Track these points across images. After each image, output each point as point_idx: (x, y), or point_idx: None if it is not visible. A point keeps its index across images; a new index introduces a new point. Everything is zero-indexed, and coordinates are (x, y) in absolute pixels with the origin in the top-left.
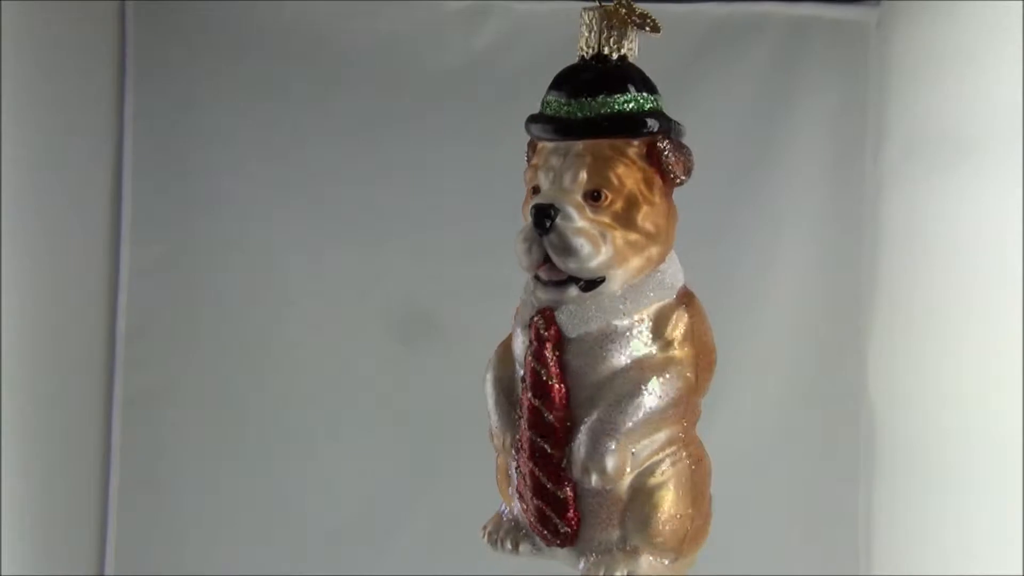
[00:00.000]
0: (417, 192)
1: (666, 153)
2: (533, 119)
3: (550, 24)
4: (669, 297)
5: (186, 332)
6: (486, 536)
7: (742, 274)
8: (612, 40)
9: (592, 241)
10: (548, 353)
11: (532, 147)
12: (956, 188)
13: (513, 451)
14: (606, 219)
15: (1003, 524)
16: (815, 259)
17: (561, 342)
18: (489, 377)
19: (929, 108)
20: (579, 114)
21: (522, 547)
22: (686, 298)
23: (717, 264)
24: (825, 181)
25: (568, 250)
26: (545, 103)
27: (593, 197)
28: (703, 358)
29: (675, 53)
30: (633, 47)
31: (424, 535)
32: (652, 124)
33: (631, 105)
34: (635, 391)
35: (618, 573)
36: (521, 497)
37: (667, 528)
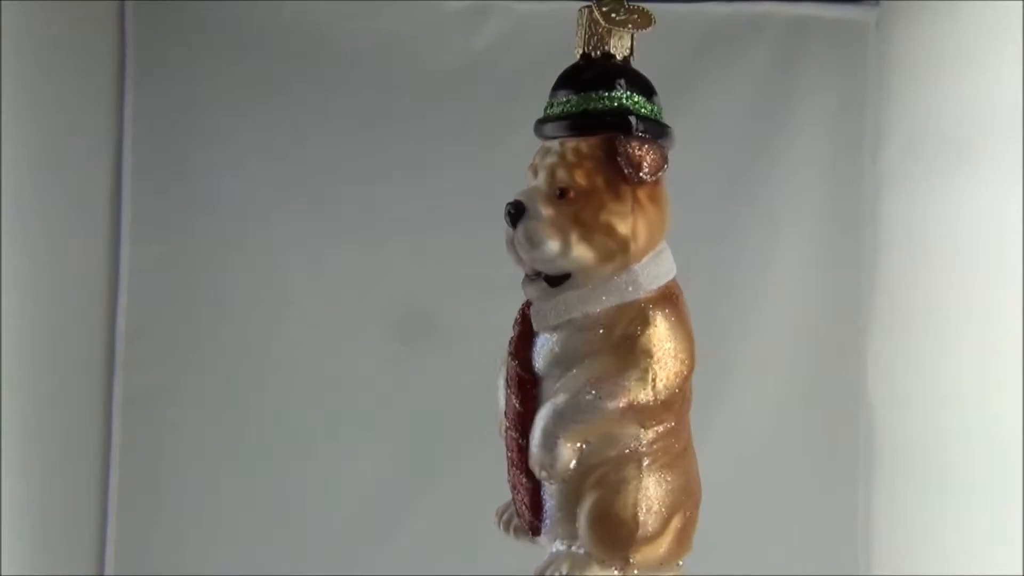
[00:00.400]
0: (417, 192)
1: (621, 151)
2: (537, 120)
3: (550, 24)
4: (635, 297)
5: (186, 332)
6: (498, 518)
7: (741, 274)
8: (595, 40)
9: (551, 237)
10: (520, 346)
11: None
12: (955, 187)
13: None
14: (570, 217)
15: (1003, 524)
16: (814, 259)
17: (531, 336)
18: (501, 372)
19: (928, 108)
20: (556, 113)
21: (518, 535)
22: (661, 300)
23: (716, 264)
24: (824, 180)
25: (529, 246)
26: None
27: (560, 195)
28: (667, 363)
29: (675, 53)
30: (621, 45)
31: (424, 535)
32: (611, 121)
33: (597, 104)
34: (583, 389)
35: (558, 573)
36: (510, 485)
37: (606, 531)
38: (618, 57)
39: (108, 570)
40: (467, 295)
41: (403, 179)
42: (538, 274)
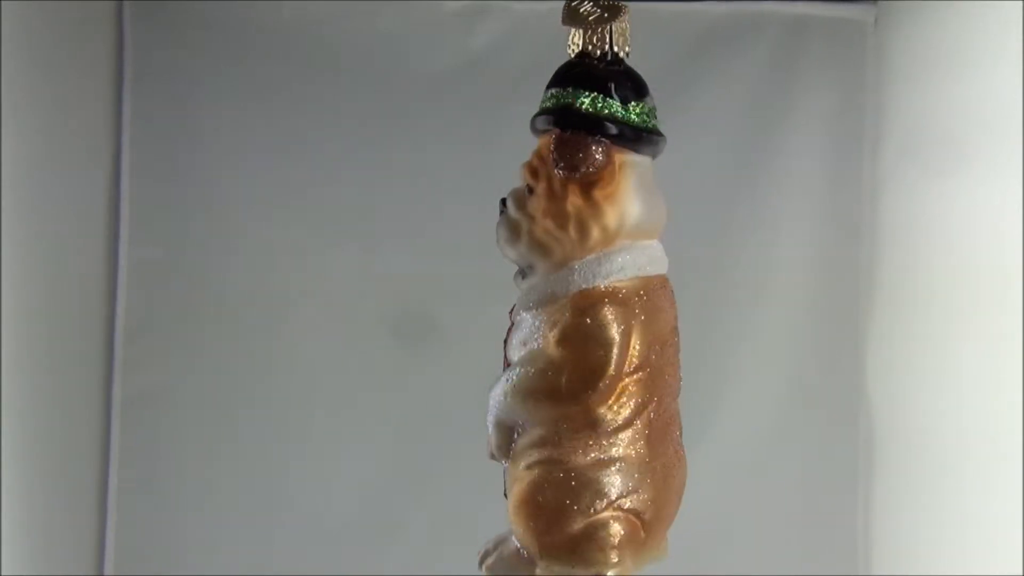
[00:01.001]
0: (415, 191)
1: (552, 147)
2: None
3: (548, 24)
4: (565, 292)
5: (185, 332)
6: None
7: (740, 274)
8: (571, 38)
9: (512, 232)
10: (508, 337)
11: None
12: (954, 187)
13: None
14: (527, 214)
15: (1003, 524)
16: (813, 259)
17: (511, 328)
18: None
19: (927, 107)
20: (540, 110)
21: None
22: (593, 298)
23: (715, 264)
24: (823, 180)
25: (499, 239)
26: None
27: (529, 191)
28: (576, 362)
29: (673, 52)
30: (596, 41)
31: (424, 536)
32: (555, 119)
33: (548, 103)
34: (508, 377)
35: (483, 567)
36: None
37: (518, 522)
38: (597, 53)
39: (107, 570)
40: (466, 294)
41: (401, 178)
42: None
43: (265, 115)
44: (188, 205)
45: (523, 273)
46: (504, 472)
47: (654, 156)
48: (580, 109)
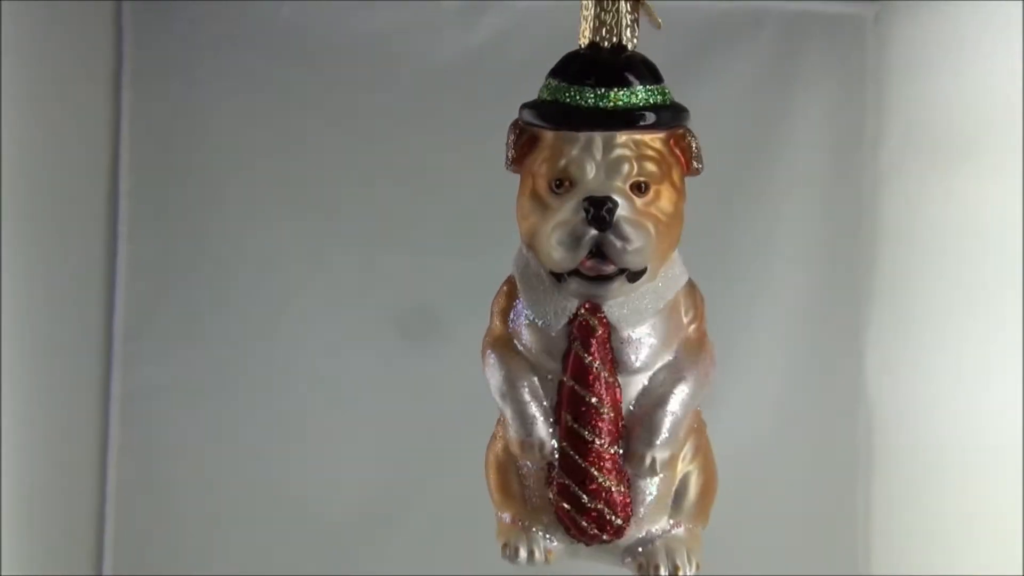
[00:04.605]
0: (416, 190)
1: (694, 145)
2: (542, 106)
3: (548, 21)
4: (683, 282)
5: (183, 330)
6: (508, 552)
7: (739, 270)
8: (605, 30)
9: (646, 232)
10: (601, 349)
11: (521, 134)
12: (955, 182)
13: (555, 453)
14: (651, 211)
15: (1003, 524)
16: (813, 255)
17: (610, 336)
18: (502, 381)
19: (927, 103)
20: (609, 104)
21: (553, 553)
22: (689, 282)
23: (713, 261)
24: (823, 176)
25: (629, 242)
26: (556, 90)
27: (639, 189)
28: (710, 345)
29: (674, 48)
30: (631, 35)
31: (425, 535)
32: (683, 117)
33: (658, 97)
34: (680, 379)
35: (681, 563)
36: (564, 497)
37: (708, 500)
38: (629, 47)
39: (106, 569)
40: (466, 293)
41: (401, 176)
42: (619, 272)
43: (264, 113)
44: (187, 202)
45: (629, 277)
46: (648, 484)
47: None
48: (679, 105)
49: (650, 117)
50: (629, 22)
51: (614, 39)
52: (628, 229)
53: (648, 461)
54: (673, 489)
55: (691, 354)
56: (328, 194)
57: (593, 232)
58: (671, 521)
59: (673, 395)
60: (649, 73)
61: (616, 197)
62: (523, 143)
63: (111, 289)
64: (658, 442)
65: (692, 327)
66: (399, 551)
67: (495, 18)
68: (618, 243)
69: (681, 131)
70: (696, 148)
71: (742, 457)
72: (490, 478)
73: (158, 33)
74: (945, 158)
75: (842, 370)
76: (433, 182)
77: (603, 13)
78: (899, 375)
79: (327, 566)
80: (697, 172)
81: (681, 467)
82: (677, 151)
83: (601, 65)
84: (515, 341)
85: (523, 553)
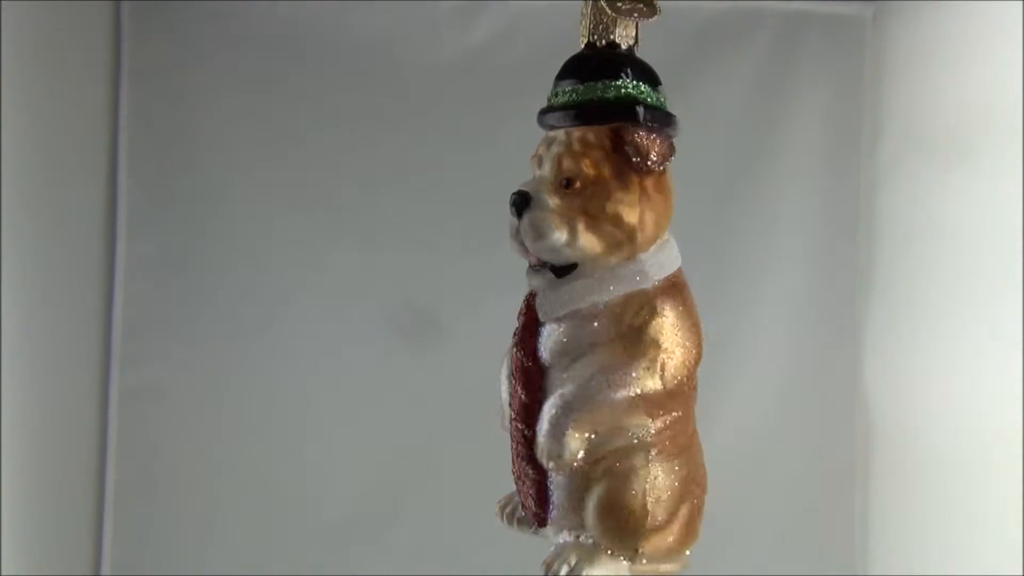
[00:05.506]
0: (414, 189)
1: (629, 140)
2: (541, 110)
3: (545, 21)
4: (642, 286)
5: (182, 329)
6: (500, 511)
7: (737, 269)
8: (600, 29)
9: (558, 228)
10: (525, 337)
11: None
12: (952, 182)
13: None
14: (575, 207)
15: (1002, 522)
16: (811, 254)
17: (536, 326)
18: (504, 363)
19: (925, 102)
20: (561, 102)
21: (521, 526)
22: (669, 289)
23: (712, 259)
24: (821, 175)
25: (535, 235)
26: (550, 93)
27: (565, 185)
28: (675, 352)
29: (673, 48)
30: (626, 35)
31: (424, 532)
32: (618, 111)
33: (604, 93)
34: (591, 379)
35: (563, 571)
36: (515, 477)
37: (615, 522)
38: (623, 46)
39: (105, 569)
40: (465, 291)
41: (399, 175)
42: (543, 264)
43: (262, 112)
44: (185, 201)
45: (555, 270)
46: (544, 483)
47: None
48: (645, 100)
49: (578, 113)
50: (608, 22)
51: (603, 39)
52: (538, 223)
53: (537, 453)
54: (584, 497)
55: (604, 361)
56: (327, 193)
57: (516, 223)
58: (588, 533)
59: (563, 394)
60: (613, 69)
61: (535, 192)
62: None
63: (110, 288)
64: (542, 439)
65: (620, 338)
66: (398, 551)
67: (492, 18)
68: (528, 235)
69: (618, 126)
70: (635, 144)
71: (739, 455)
72: None
73: (157, 33)
74: (943, 156)
75: (840, 368)
76: (432, 181)
77: (594, 13)
78: (896, 373)
79: (326, 565)
80: (647, 170)
81: (592, 477)
82: (619, 148)
83: (572, 64)
84: None
85: (499, 516)
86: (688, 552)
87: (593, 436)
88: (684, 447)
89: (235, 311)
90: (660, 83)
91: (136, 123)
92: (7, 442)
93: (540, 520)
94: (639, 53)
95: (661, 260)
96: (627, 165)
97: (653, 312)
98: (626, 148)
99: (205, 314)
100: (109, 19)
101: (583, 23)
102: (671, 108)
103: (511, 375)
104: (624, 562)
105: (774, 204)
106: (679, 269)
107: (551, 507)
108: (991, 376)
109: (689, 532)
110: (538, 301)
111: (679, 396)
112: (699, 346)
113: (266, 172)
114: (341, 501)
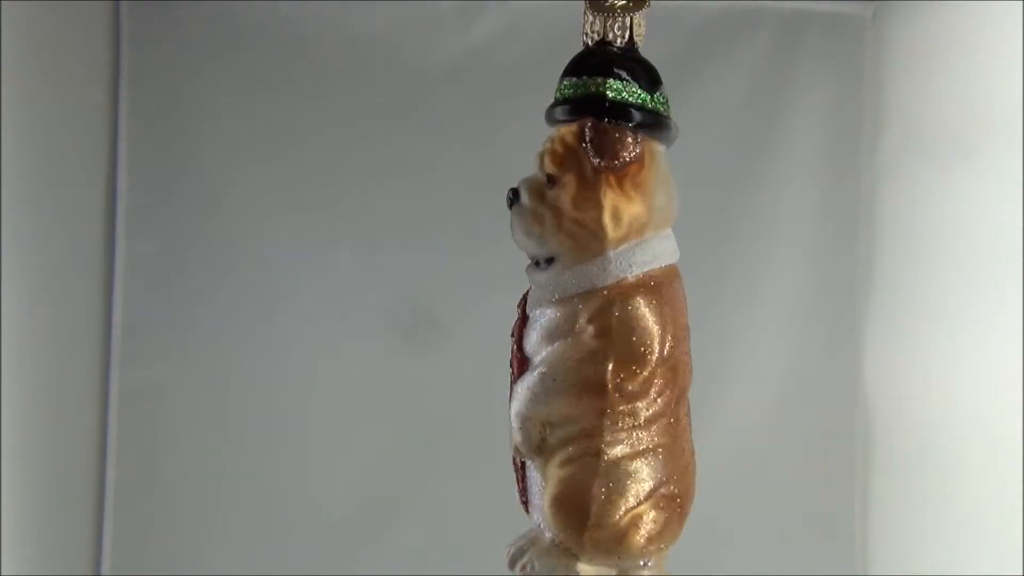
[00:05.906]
0: (414, 189)
1: (585, 137)
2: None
3: (545, 21)
4: (602, 283)
5: (182, 329)
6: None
7: (737, 270)
8: (593, 27)
9: (530, 225)
10: (520, 328)
11: None
12: (953, 181)
13: None
14: (549, 204)
15: (1002, 523)
16: (811, 254)
17: (525, 320)
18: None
19: (925, 102)
20: (554, 100)
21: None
22: (633, 288)
23: (712, 259)
24: (821, 175)
25: (514, 233)
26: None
27: (548, 182)
28: (625, 351)
29: (671, 48)
30: (618, 31)
31: (424, 532)
32: (578, 109)
33: (577, 91)
34: (541, 372)
35: (516, 568)
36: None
37: (561, 514)
38: (617, 43)
39: (105, 569)
40: (465, 291)
41: (399, 176)
42: (533, 258)
43: (262, 112)
44: (185, 201)
45: (538, 264)
46: (524, 470)
47: (670, 145)
48: (613, 97)
49: (562, 110)
50: (597, 19)
51: (593, 37)
52: (514, 221)
53: (509, 442)
54: (544, 488)
55: (556, 356)
56: (327, 193)
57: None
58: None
59: (520, 386)
60: (599, 67)
61: (521, 187)
62: None
63: (109, 288)
64: (510, 426)
65: (574, 334)
66: (399, 550)
67: (491, 18)
68: (512, 233)
69: (582, 122)
70: (590, 140)
71: (739, 455)
72: None
73: (156, 32)
74: (943, 155)
75: (840, 367)
76: (432, 181)
77: (584, 11)
78: (896, 372)
79: (326, 565)
80: (606, 167)
81: (549, 468)
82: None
83: (569, 62)
84: None
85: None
86: (663, 551)
87: (547, 428)
88: (653, 447)
89: (235, 311)
90: (660, 82)
91: (136, 123)
92: (7, 442)
93: (526, 507)
94: (641, 51)
95: (632, 258)
96: (589, 162)
97: (606, 310)
98: (583, 145)
99: (205, 314)
100: (108, 19)
101: (583, 21)
102: (671, 108)
103: (510, 367)
104: (578, 563)
105: (774, 204)
106: (666, 268)
107: (530, 495)
108: (991, 376)
109: (653, 534)
110: (529, 295)
111: (638, 396)
112: (651, 354)
113: (266, 172)
114: (342, 501)
